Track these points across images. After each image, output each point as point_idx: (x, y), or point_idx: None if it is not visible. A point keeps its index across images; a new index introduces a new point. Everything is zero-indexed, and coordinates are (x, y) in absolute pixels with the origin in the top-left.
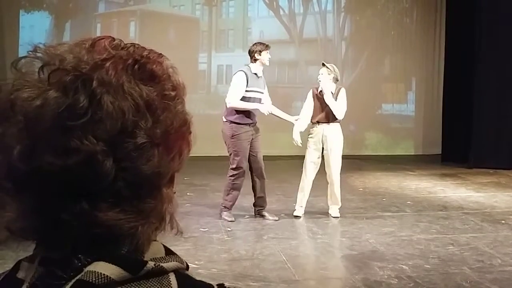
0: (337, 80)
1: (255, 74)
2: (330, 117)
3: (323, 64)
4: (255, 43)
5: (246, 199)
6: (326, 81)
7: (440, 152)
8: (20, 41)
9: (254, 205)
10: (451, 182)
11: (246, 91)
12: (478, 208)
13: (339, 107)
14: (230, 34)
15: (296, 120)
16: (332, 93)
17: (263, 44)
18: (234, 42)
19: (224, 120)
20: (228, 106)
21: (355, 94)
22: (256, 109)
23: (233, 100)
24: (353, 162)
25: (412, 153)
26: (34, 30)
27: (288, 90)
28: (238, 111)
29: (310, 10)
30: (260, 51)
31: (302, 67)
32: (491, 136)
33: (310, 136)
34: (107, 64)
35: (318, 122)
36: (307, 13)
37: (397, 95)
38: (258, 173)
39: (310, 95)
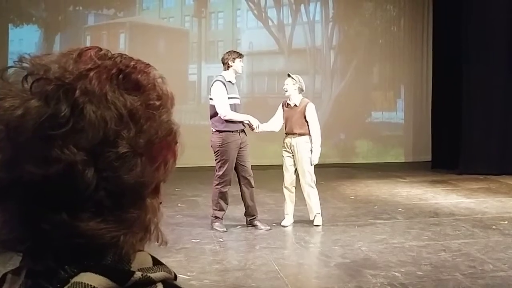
0: (302, 90)
1: (230, 81)
2: (297, 130)
3: (289, 75)
4: (229, 51)
5: (238, 209)
6: (290, 91)
7: (430, 159)
8: (9, 55)
9: (245, 214)
10: (441, 188)
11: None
12: (469, 214)
13: (317, 134)
14: (220, 46)
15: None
16: (296, 104)
17: (237, 52)
18: (223, 53)
19: (213, 130)
20: (224, 119)
21: (344, 102)
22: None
23: (227, 112)
24: (344, 170)
25: (403, 161)
26: (23, 43)
27: (278, 101)
28: (226, 120)
29: (298, 21)
30: (234, 59)
31: None
32: (480, 142)
33: (283, 145)
34: (91, 74)
35: (287, 134)
36: (296, 23)
37: (386, 103)
38: (246, 182)
39: (280, 107)
